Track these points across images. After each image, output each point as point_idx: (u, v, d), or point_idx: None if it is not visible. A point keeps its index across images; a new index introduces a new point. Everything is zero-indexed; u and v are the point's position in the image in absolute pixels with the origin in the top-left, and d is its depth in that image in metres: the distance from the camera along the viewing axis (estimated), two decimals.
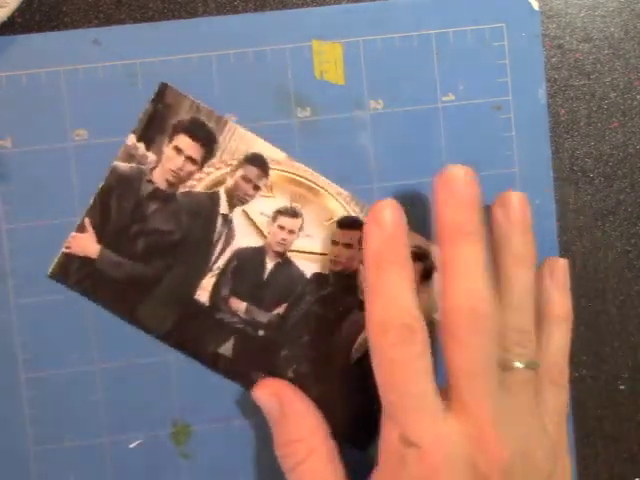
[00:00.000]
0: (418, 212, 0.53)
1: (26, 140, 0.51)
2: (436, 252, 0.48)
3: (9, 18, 0.50)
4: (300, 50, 0.52)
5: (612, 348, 0.56)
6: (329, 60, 0.52)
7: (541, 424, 0.49)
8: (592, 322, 0.56)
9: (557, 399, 0.51)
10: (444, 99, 0.53)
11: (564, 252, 0.55)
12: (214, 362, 0.53)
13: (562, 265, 0.53)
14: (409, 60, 0.53)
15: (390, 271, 0.46)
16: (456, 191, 0.48)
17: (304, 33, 0.52)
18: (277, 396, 0.51)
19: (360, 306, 0.53)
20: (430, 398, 0.46)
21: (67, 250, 0.52)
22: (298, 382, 0.52)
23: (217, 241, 0.52)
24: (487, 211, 0.52)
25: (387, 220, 0.47)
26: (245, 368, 0.53)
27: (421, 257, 0.53)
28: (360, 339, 0.53)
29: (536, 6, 0.54)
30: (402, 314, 0.46)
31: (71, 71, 0.51)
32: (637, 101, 0.55)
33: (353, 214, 0.53)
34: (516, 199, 0.51)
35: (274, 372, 0.53)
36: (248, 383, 0.53)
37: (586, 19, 0.55)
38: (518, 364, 0.48)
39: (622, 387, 0.56)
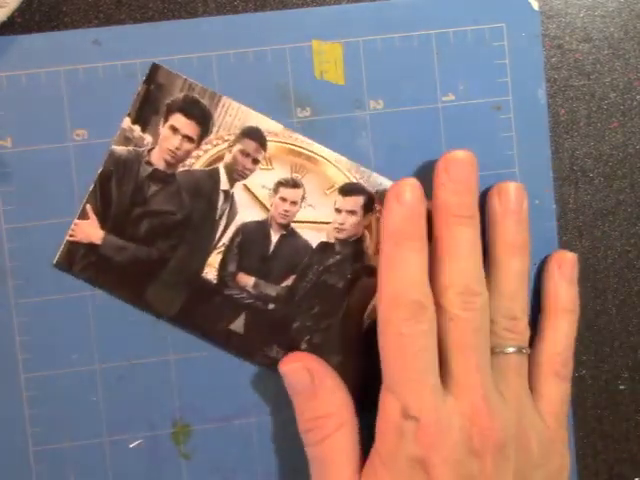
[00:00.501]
0: None
1: (26, 140, 0.51)
2: None
3: (9, 18, 0.50)
4: (300, 50, 0.52)
5: (612, 348, 0.56)
6: (329, 60, 0.52)
7: (536, 411, 0.50)
8: (592, 322, 0.56)
9: (557, 391, 0.51)
10: (444, 99, 0.53)
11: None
12: (226, 340, 0.53)
13: (570, 258, 0.53)
14: (409, 60, 0.53)
15: (407, 247, 0.47)
16: (454, 174, 0.49)
17: (304, 33, 0.52)
18: (308, 370, 0.50)
19: (368, 272, 0.53)
20: (432, 375, 0.47)
21: (71, 238, 0.52)
22: (312, 352, 0.53)
23: (220, 218, 0.52)
24: (484, 198, 0.52)
25: (408, 198, 0.48)
26: (257, 343, 0.53)
27: None
28: (371, 305, 0.53)
29: (536, 6, 0.54)
30: (415, 290, 0.46)
31: (71, 71, 0.51)
32: (637, 101, 0.55)
33: (354, 181, 0.53)
34: (513, 189, 0.52)
35: (287, 345, 0.53)
36: (261, 358, 0.53)
37: (586, 19, 0.55)
38: (509, 349, 0.50)
39: (622, 387, 0.56)
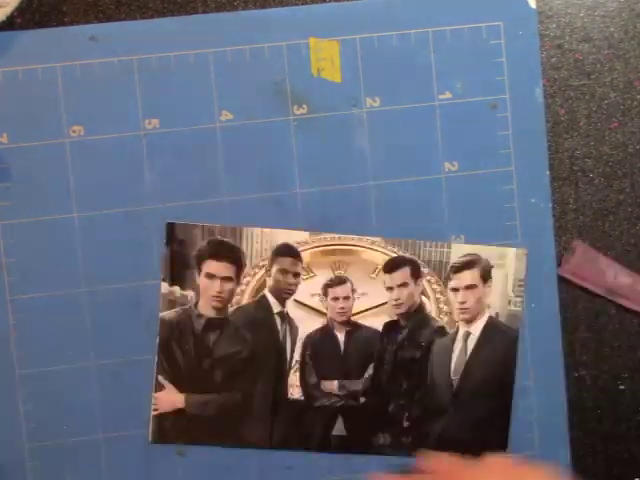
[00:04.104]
0: (413, 210, 0.53)
1: (22, 136, 0.51)
2: None
3: (8, 18, 0.50)
4: (297, 47, 0.52)
5: (612, 348, 0.56)
6: (326, 57, 0.52)
7: None
8: (592, 322, 0.55)
9: None
10: (441, 97, 0.53)
11: (564, 252, 0.55)
12: (329, 445, 0.54)
13: None
14: (406, 58, 0.53)
15: None
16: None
17: (301, 30, 0.52)
18: None
19: (440, 333, 0.54)
20: None
21: (156, 412, 0.52)
22: (416, 427, 0.54)
23: (284, 339, 0.53)
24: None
25: None
26: (361, 438, 0.54)
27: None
28: (453, 364, 0.54)
29: (533, 5, 0.54)
30: None
31: (68, 67, 0.51)
32: (637, 101, 0.55)
33: (394, 255, 0.53)
34: None
35: (390, 429, 0.54)
36: (367, 449, 0.54)
37: (586, 19, 0.55)
38: None
39: (622, 387, 0.56)
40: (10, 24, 0.51)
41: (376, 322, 0.54)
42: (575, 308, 0.55)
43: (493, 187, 0.53)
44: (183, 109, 0.52)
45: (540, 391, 0.55)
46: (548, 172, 0.54)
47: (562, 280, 0.55)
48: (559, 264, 0.55)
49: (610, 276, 0.55)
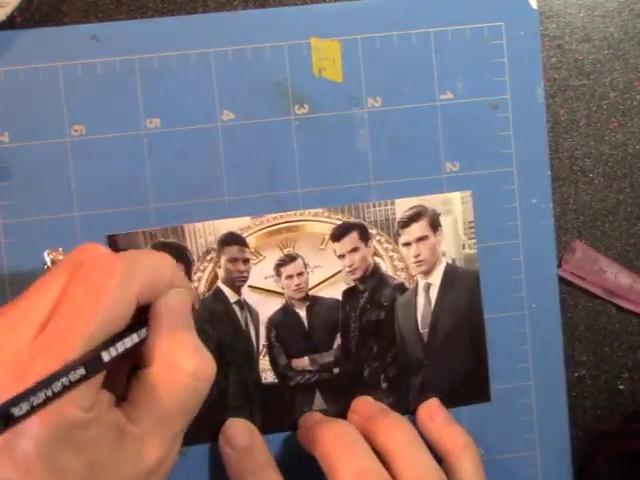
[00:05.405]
0: None
1: (24, 135, 0.51)
2: None
3: (8, 18, 0.50)
4: (298, 47, 0.52)
5: (612, 348, 0.56)
6: (327, 57, 0.52)
7: None
8: (592, 322, 0.56)
9: None
10: (442, 97, 0.53)
11: (564, 252, 0.55)
12: None
13: (435, 403, 0.54)
14: (407, 58, 0.53)
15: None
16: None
17: (302, 30, 0.52)
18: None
19: (400, 289, 0.54)
20: None
21: None
22: (394, 387, 0.54)
23: (247, 326, 0.53)
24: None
25: (237, 440, 0.51)
26: (343, 408, 0.54)
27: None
28: (420, 317, 0.54)
29: (535, 5, 0.54)
30: None
31: (69, 66, 0.51)
32: (636, 101, 0.55)
33: (339, 222, 0.53)
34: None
35: (370, 394, 0.54)
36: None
37: (586, 19, 0.55)
38: None
39: (622, 387, 0.56)
40: (10, 24, 0.51)
41: (334, 292, 0.54)
42: (575, 308, 0.55)
43: (494, 187, 0.54)
44: (184, 109, 0.52)
45: (540, 391, 0.55)
46: (549, 172, 0.54)
47: (562, 280, 0.55)
48: (559, 264, 0.55)
49: (610, 276, 0.55)
